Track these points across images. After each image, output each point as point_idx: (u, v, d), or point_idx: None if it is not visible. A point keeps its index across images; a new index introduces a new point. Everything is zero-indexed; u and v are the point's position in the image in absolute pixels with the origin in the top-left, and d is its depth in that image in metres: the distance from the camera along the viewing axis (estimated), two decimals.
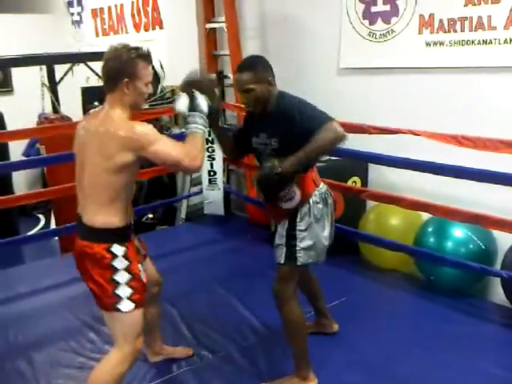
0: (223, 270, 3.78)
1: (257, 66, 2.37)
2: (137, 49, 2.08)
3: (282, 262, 2.40)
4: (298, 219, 2.37)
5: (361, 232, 3.76)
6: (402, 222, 3.65)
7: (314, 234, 2.38)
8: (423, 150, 3.23)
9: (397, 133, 3.26)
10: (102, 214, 2.04)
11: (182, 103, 2.15)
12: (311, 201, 2.37)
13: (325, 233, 2.42)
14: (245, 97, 2.37)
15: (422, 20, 3.51)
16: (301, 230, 2.36)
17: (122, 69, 2.03)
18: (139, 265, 2.15)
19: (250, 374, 2.62)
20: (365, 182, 3.99)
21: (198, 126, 2.10)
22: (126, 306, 2.06)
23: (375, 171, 3.93)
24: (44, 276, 3.77)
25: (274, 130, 2.35)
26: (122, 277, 2.05)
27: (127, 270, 2.06)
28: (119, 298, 2.05)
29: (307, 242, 2.37)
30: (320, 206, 2.39)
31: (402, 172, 3.40)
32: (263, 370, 2.66)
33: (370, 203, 3.91)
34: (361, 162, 3.91)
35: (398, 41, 3.66)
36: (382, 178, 3.88)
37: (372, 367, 2.64)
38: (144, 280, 2.15)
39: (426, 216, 3.48)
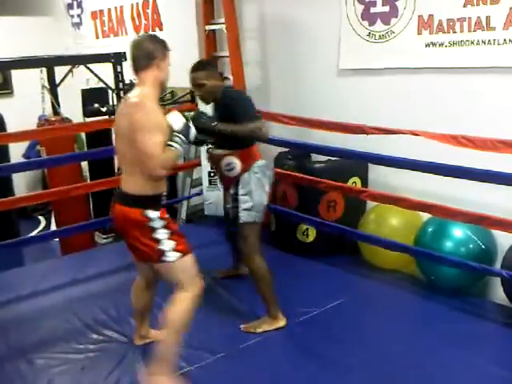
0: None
1: (207, 66, 3.11)
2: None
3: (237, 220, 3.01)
4: (240, 186, 3.00)
5: (361, 232, 3.77)
6: (402, 223, 3.66)
7: (253, 197, 2.99)
8: (423, 151, 3.23)
9: (397, 133, 3.27)
10: (137, 183, 2.35)
11: (175, 120, 2.39)
12: (252, 172, 3.00)
13: (262, 197, 3.04)
14: (199, 90, 3.05)
15: (422, 21, 3.51)
16: (242, 195, 2.99)
17: (156, 49, 2.39)
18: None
19: (251, 375, 2.63)
20: (365, 183, 4.00)
21: (176, 146, 2.36)
22: (172, 256, 2.38)
23: (375, 172, 3.94)
24: (44, 278, 3.77)
25: (217, 115, 3.03)
26: (162, 234, 2.37)
27: (165, 227, 2.39)
28: (164, 252, 2.37)
29: (247, 204, 2.98)
30: (258, 175, 3.02)
31: (402, 172, 3.40)
32: (265, 368, 2.66)
33: (370, 203, 3.91)
34: (361, 162, 3.92)
35: (398, 41, 3.67)
36: (382, 178, 3.89)
37: (371, 367, 2.64)
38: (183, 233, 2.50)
39: (425, 216, 3.48)
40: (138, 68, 2.39)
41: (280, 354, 2.75)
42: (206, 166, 4.60)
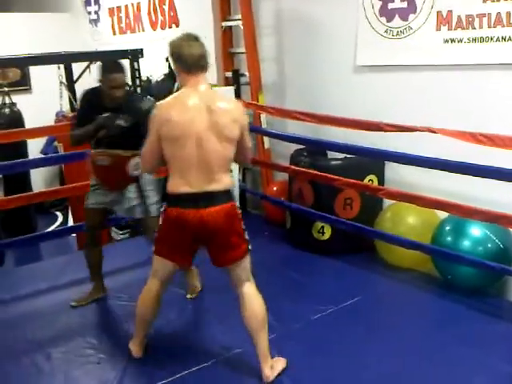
0: None
1: (124, 68, 3.11)
2: None
3: (142, 216, 3.17)
4: (144, 182, 3.12)
5: (377, 230, 3.74)
6: (419, 221, 3.62)
7: (157, 192, 3.15)
8: (440, 148, 3.20)
9: (414, 130, 3.24)
10: (224, 179, 2.41)
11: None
12: None
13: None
14: (119, 91, 2.99)
15: (440, 17, 3.47)
16: (150, 190, 3.14)
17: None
18: None
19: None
20: (381, 180, 3.97)
21: None
22: (250, 245, 2.50)
23: (392, 169, 3.91)
24: (61, 273, 3.81)
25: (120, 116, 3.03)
26: (243, 225, 2.50)
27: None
28: (248, 241, 2.50)
29: (155, 199, 3.15)
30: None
31: (419, 170, 3.37)
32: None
33: (387, 201, 3.88)
34: (377, 160, 3.89)
35: (416, 38, 3.63)
36: (398, 176, 3.86)
37: (387, 364, 2.63)
38: None
39: (443, 214, 3.45)
40: (202, 67, 2.38)
41: (295, 351, 2.74)
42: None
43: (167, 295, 2.71)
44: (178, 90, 5.19)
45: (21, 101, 5.88)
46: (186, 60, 2.35)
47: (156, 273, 2.59)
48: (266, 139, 4.82)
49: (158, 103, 2.44)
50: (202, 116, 2.32)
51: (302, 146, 4.29)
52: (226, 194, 2.42)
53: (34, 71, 6.69)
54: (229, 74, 4.94)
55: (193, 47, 2.37)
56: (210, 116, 2.32)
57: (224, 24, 4.93)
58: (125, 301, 3.34)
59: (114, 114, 2.98)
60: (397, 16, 3.73)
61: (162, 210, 2.51)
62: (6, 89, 5.87)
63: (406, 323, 3.02)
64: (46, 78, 5.86)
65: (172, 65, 2.52)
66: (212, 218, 2.36)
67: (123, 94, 3.02)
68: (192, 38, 2.41)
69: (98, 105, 3.05)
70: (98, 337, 3.00)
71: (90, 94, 3.15)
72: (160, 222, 2.50)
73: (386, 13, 3.78)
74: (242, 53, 4.84)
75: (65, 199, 5.78)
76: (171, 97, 2.44)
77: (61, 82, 5.39)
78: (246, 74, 4.80)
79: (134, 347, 2.74)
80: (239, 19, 4.73)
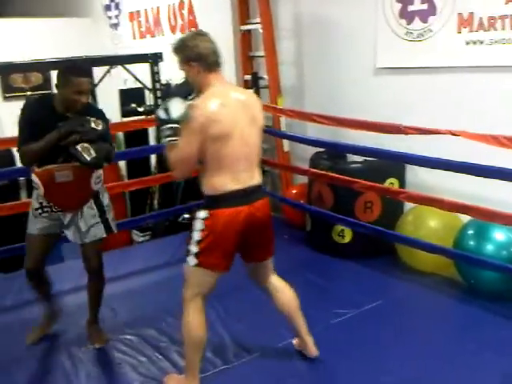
0: None
1: (92, 74, 2.99)
2: None
3: (105, 235, 2.88)
4: (101, 196, 2.87)
5: (398, 234, 3.72)
6: (440, 225, 3.59)
7: (111, 206, 2.94)
8: (462, 151, 3.17)
9: (435, 133, 3.21)
10: (259, 174, 2.44)
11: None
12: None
13: None
14: (84, 97, 2.65)
15: (461, 19, 3.45)
16: (107, 205, 2.89)
17: None
18: None
19: (286, 373, 2.64)
20: (402, 183, 3.95)
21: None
22: None
23: (413, 172, 3.88)
24: (83, 274, 3.76)
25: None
26: None
27: None
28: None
29: (111, 214, 2.91)
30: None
31: (440, 173, 3.34)
32: (302, 368, 2.67)
33: (408, 205, 3.85)
34: (398, 162, 3.87)
35: (436, 40, 3.61)
36: (419, 179, 3.83)
37: (407, 369, 2.61)
38: None
39: (465, 218, 3.41)
40: (220, 62, 2.34)
41: (313, 358, 2.74)
42: None
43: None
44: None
45: None
46: (208, 58, 2.28)
47: (199, 289, 2.40)
48: (285, 142, 4.82)
49: (195, 104, 2.25)
50: (241, 111, 2.30)
51: (321, 149, 4.29)
52: (262, 188, 2.46)
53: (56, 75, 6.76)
54: (248, 77, 4.96)
55: (208, 43, 2.31)
56: (246, 110, 2.32)
57: (243, 27, 4.94)
58: (144, 303, 3.36)
59: (78, 116, 2.65)
60: (417, 18, 3.71)
61: (205, 215, 2.32)
62: (29, 93, 5.96)
63: (427, 328, 3.00)
64: None
65: (185, 68, 2.34)
66: (261, 211, 2.39)
67: (86, 102, 2.70)
68: (202, 34, 2.36)
69: (50, 115, 2.66)
70: (119, 338, 3.02)
71: (37, 103, 2.80)
72: (200, 230, 2.32)
73: (406, 15, 3.76)
74: (261, 56, 4.85)
75: None
76: (205, 96, 2.27)
77: None
78: (265, 77, 4.81)
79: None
80: (258, 22, 4.74)
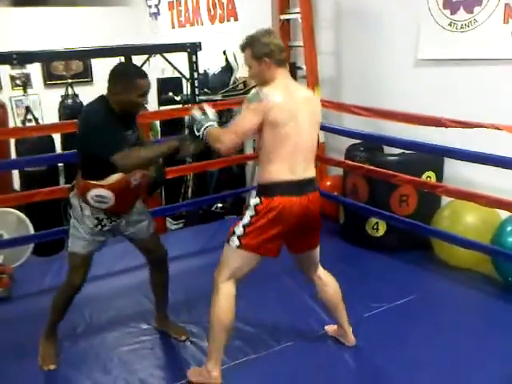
0: (291, 260, 3.77)
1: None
2: None
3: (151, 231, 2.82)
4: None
5: (434, 228, 3.65)
6: (478, 220, 3.51)
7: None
8: (505, 146, 3.08)
9: (478, 127, 3.13)
10: (313, 167, 2.50)
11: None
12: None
13: None
14: (145, 99, 2.58)
15: (508, 9, 3.34)
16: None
17: None
18: None
19: (313, 370, 2.63)
20: (440, 177, 3.87)
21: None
22: None
23: (452, 166, 3.79)
24: (118, 260, 3.89)
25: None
26: None
27: None
28: None
29: None
30: None
31: (480, 168, 3.25)
32: (331, 362, 2.65)
33: (445, 199, 3.78)
34: (436, 156, 3.79)
35: (482, 31, 3.50)
36: (458, 173, 3.74)
37: (439, 365, 2.57)
38: None
39: (504, 214, 3.32)
40: (285, 60, 2.50)
41: (346, 349, 2.72)
42: None
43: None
44: (233, 82, 5.29)
45: (83, 92, 6.04)
46: (279, 54, 2.40)
47: (237, 272, 2.42)
48: (321, 133, 4.77)
49: (263, 89, 2.32)
50: (303, 105, 2.39)
51: (357, 141, 4.23)
52: (315, 181, 2.51)
53: (96, 64, 6.88)
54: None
55: (278, 39, 2.46)
56: (308, 105, 2.42)
57: (282, 17, 4.91)
58: (177, 290, 3.39)
59: (186, 135, 2.66)
60: (461, 8, 3.61)
61: (257, 202, 2.36)
62: (70, 80, 6.07)
63: (462, 325, 2.93)
64: (107, 71, 5.99)
65: (254, 63, 2.39)
66: (313, 204, 2.44)
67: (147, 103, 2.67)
68: (272, 32, 2.49)
69: (115, 119, 2.52)
70: (151, 323, 3.05)
71: (103, 110, 2.55)
72: (250, 215, 2.36)
73: (450, 5, 3.67)
74: (300, 46, 4.81)
75: None
76: (273, 86, 2.35)
77: None
78: (303, 67, 4.77)
79: (215, 372, 2.44)
80: (298, 12, 4.70)
